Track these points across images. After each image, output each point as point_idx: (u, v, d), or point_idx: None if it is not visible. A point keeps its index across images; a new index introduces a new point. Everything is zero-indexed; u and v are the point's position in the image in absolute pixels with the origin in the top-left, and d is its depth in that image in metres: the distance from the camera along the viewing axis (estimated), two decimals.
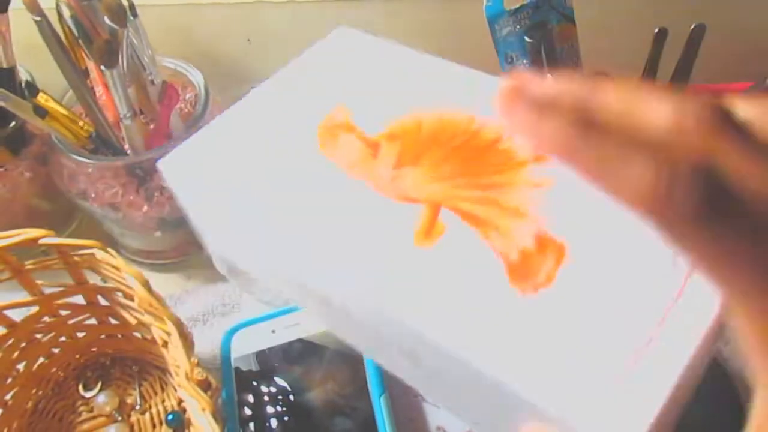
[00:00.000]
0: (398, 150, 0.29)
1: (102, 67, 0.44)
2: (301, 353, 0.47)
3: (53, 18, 0.48)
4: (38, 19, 0.45)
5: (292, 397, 0.45)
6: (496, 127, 0.29)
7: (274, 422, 0.45)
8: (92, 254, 0.44)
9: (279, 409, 0.45)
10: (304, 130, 0.30)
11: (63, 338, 0.51)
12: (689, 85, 0.64)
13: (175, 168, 0.31)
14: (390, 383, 0.45)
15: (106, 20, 0.45)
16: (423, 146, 0.29)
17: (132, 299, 0.46)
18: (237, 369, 0.48)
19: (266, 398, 0.46)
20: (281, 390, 0.46)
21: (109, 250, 0.43)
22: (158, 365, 0.53)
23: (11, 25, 0.50)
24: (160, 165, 0.31)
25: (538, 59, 0.56)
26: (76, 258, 0.45)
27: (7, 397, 0.50)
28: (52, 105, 0.46)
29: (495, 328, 0.22)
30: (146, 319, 0.45)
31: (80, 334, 0.52)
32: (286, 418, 0.45)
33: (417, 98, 0.31)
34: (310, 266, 0.26)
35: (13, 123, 0.54)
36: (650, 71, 0.63)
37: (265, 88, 0.33)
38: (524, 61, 0.56)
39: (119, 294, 0.47)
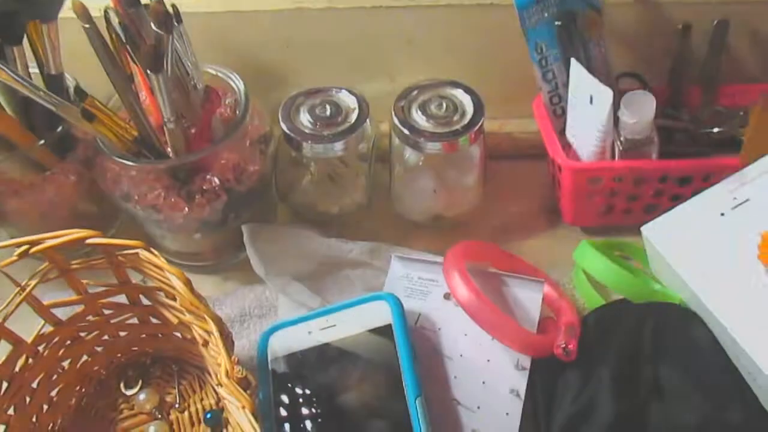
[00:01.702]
0: None
1: (148, 72, 0.45)
2: (337, 355, 0.47)
3: (100, 25, 0.49)
4: (87, 26, 0.46)
5: (327, 399, 0.46)
6: None
7: (309, 423, 0.45)
8: (136, 254, 0.45)
9: (314, 410, 0.45)
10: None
11: (106, 337, 0.52)
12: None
13: (659, 233, 0.52)
14: (424, 385, 0.45)
15: (152, 26, 0.46)
16: None
17: (174, 299, 0.47)
18: (273, 370, 0.48)
19: (302, 399, 0.46)
20: (316, 391, 0.46)
21: (153, 250, 0.44)
22: (197, 364, 0.54)
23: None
24: (645, 230, 0.52)
25: (567, 46, 0.56)
26: (120, 258, 0.46)
27: (53, 393, 0.51)
28: (99, 109, 0.47)
29: None
30: (187, 318, 0.46)
31: (122, 333, 0.53)
32: (320, 420, 0.45)
33: None
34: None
35: (60, 128, 0.55)
36: (677, 68, 0.63)
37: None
38: (554, 51, 0.56)
39: (161, 293, 0.48)
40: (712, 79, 0.63)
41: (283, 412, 0.46)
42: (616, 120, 0.56)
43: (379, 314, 0.47)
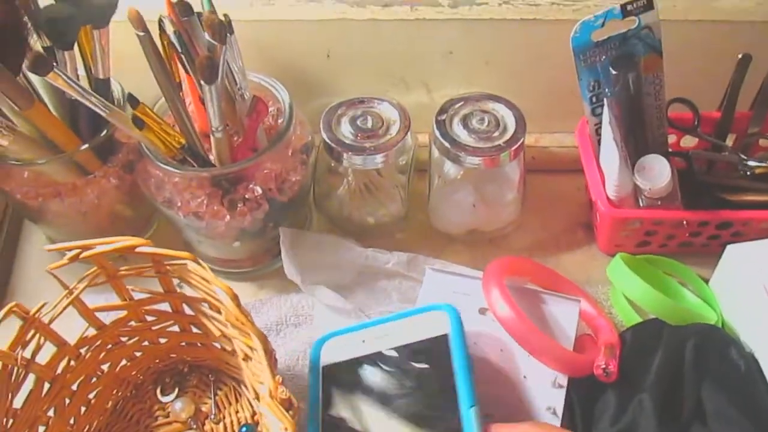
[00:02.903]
0: None
1: (201, 82, 0.46)
2: (390, 363, 0.47)
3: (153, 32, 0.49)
4: (142, 33, 0.46)
5: (378, 406, 0.45)
6: None
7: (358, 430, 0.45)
8: (184, 265, 0.45)
9: (364, 417, 0.45)
10: None
11: (146, 343, 0.53)
12: None
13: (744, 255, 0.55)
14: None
15: (206, 36, 0.46)
16: None
17: (218, 311, 0.47)
18: (325, 376, 0.48)
19: (351, 406, 0.46)
20: (367, 399, 0.46)
21: (201, 262, 0.44)
22: (233, 376, 0.54)
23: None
24: (730, 248, 0.56)
25: (623, 88, 0.55)
26: (168, 267, 0.46)
27: (91, 395, 0.52)
28: (150, 116, 0.48)
29: None
30: (230, 332, 0.46)
31: (162, 340, 0.53)
32: (372, 427, 0.45)
33: None
34: None
35: (104, 132, 0.55)
36: (731, 98, 0.62)
37: None
38: (606, 90, 0.55)
39: (205, 305, 0.48)
40: (765, 107, 0.63)
41: (332, 419, 0.46)
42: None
43: (436, 324, 0.47)
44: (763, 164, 0.61)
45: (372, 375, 0.46)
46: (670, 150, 0.62)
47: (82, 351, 0.49)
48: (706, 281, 0.60)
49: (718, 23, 0.62)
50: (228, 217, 0.54)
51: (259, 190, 0.54)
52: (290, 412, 0.39)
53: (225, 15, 0.48)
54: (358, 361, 0.47)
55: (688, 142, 0.66)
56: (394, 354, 0.47)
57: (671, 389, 0.49)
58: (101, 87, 0.53)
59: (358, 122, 0.59)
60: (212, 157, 0.53)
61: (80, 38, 0.52)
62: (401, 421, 0.44)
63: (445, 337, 0.45)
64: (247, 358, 0.46)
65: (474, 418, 0.41)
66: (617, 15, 0.53)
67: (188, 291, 0.49)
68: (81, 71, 0.54)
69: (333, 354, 0.49)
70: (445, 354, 0.45)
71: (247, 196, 0.54)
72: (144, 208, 0.64)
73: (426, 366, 0.45)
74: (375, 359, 0.47)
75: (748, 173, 0.62)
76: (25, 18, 0.49)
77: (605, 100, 0.56)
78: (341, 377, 0.47)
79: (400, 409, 0.44)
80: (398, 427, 0.44)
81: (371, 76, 0.66)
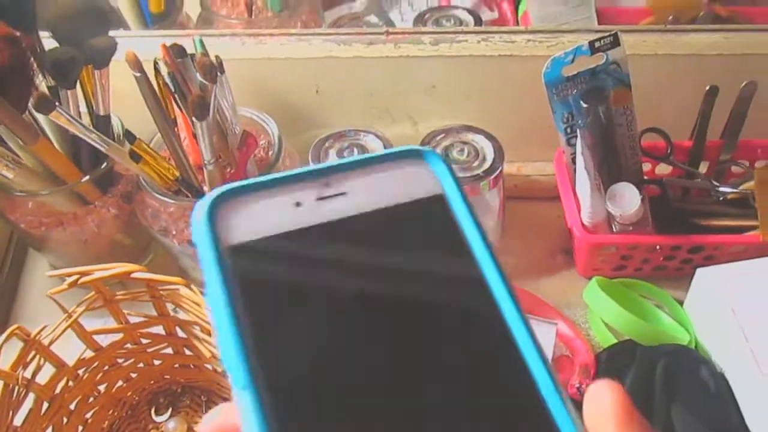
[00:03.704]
0: None
1: (193, 119, 0.49)
2: (357, 237, 0.24)
3: (149, 71, 0.53)
4: (138, 74, 0.50)
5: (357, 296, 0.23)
6: None
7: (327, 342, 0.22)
8: (177, 290, 0.48)
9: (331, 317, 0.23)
10: None
11: (141, 364, 0.55)
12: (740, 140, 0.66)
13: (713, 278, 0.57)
14: None
15: (198, 76, 0.50)
16: None
17: (209, 334, 0.50)
18: (233, 266, 0.22)
19: (306, 305, 0.23)
20: (335, 286, 0.24)
21: (193, 287, 0.47)
22: (225, 397, 0.57)
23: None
24: (700, 271, 0.58)
25: (594, 120, 0.58)
26: (161, 292, 0.49)
27: (88, 415, 0.54)
28: (146, 151, 0.51)
29: None
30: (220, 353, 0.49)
31: (157, 362, 0.56)
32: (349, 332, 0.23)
33: None
34: None
35: (104, 164, 0.59)
36: (701, 127, 0.65)
37: None
38: (579, 122, 0.59)
39: (197, 328, 0.51)
40: (735, 135, 0.66)
41: (261, 337, 0.21)
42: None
43: (418, 183, 0.25)
44: (735, 190, 0.64)
45: (331, 254, 0.23)
46: (645, 177, 0.65)
47: (80, 372, 0.52)
48: (681, 303, 0.62)
49: (687, 56, 0.65)
50: None
51: None
52: None
53: (216, 56, 0.52)
54: (295, 236, 0.23)
55: (663, 169, 0.69)
56: (361, 225, 0.23)
57: (642, 408, 0.51)
58: (101, 123, 0.57)
59: (345, 154, 0.62)
60: (206, 188, 0.57)
61: (82, 77, 0.55)
62: (400, 306, 0.22)
63: (439, 199, 0.24)
64: None
65: (512, 293, 0.23)
66: (586, 51, 0.56)
67: (181, 315, 0.51)
68: (83, 107, 0.58)
69: (241, 228, 0.23)
70: (445, 221, 0.24)
71: None
72: (142, 237, 0.67)
73: (419, 240, 0.24)
74: (329, 232, 0.23)
75: (721, 199, 0.64)
76: (32, 59, 0.52)
77: (578, 131, 0.59)
78: (263, 266, 0.22)
79: (394, 291, 0.23)
80: (397, 315, 0.22)
81: (358, 110, 0.69)
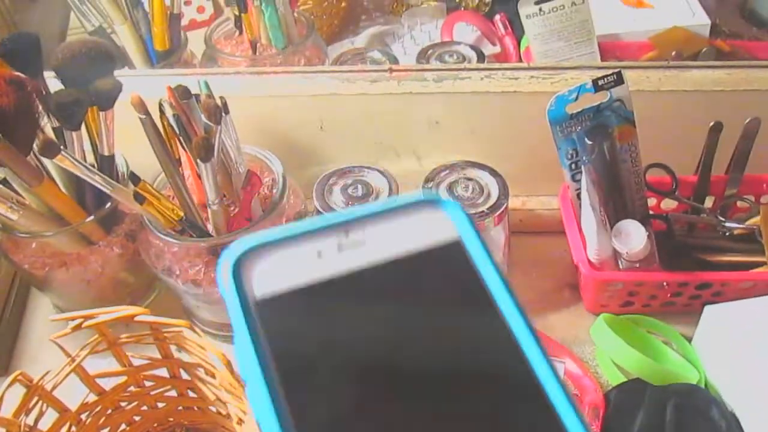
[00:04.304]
0: None
1: (198, 161, 0.49)
2: (378, 287, 0.25)
3: (153, 113, 0.53)
4: (143, 116, 0.50)
5: (379, 358, 0.24)
6: None
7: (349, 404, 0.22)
8: (180, 332, 0.47)
9: (353, 379, 0.23)
10: None
11: (145, 407, 0.54)
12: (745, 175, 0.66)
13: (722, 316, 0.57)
14: None
15: (203, 118, 0.50)
16: None
17: (213, 376, 0.49)
18: (261, 319, 0.23)
19: (325, 364, 0.23)
20: (356, 348, 0.24)
21: (197, 329, 0.47)
22: None
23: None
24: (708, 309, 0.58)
25: (599, 157, 0.58)
26: (165, 334, 0.49)
27: None
28: (150, 192, 0.51)
29: None
30: (224, 396, 0.48)
31: (160, 405, 0.55)
32: (370, 396, 0.22)
33: None
34: None
35: (109, 204, 0.59)
36: (706, 163, 0.65)
37: None
38: (584, 158, 0.58)
39: (201, 370, 0.50)
40: (740, 170, 0.65)
41: (291, 389, 0.21)
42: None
43: (435, 228, 0.25)
44: (741, 226, 0.63)
45: (351, 309, 0.23)
46: (650, 213, 0.65)
47: (83, 417, 0.51)
48: (690, 339, 0.62)
49: (691, 93, 0.65)
50: None
51: None
52: None
53: (221, 97, 0.52)
54: (318, 289, 0.24)
55: (669, 204, 0.69)
56: (381, 273, 0.24)
57: None
58: (106, 163, 0.57)
59: (349, 191, 0.62)
60: (210, 228, 0.56)
61: (87, 118, 0.55)
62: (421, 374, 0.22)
63: (457, 245, 0.24)
64: (240, 422, 0.48)
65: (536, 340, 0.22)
66: (590, 89, 0.56)
67: (185, 357, 0.51)
68: (87, 146, 0.58)
69: (267, 281, 0.23)
70: (463, 265, 0.24)
71: None
72: (145, 275, 0.66)
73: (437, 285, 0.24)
74: (351, 282, 0.24)
75: (727, 234, 0.64)
76: (37, 102, 0.52)
77: (583, 167, 0.59)
78: (294, 319, 0.23)
79: (415, 357, 0.23)
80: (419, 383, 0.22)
81: (363, 146, 0.69)
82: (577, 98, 0.56)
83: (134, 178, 0.50)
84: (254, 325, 0.21)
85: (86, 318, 0.47)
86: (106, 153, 0.57)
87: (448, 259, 0.24)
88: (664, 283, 0.60)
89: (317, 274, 0.23)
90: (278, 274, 0.23)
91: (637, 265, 0.59)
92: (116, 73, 0.55)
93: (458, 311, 0.23)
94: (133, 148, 0.60)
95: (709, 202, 0.67)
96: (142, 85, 0.54)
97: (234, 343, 0.22)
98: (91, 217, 0.58)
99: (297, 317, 0.23)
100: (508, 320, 0.22)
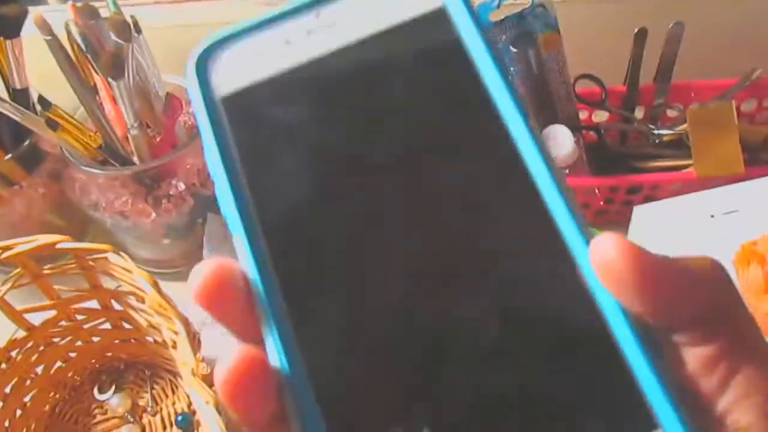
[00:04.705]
0: None
1: (109, 79, 0.47)
2: (357, 73, 0.21)
3: (63, 38, 0.51)
4: (49, 38, 0.48)
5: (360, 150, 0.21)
6: None
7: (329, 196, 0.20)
8: (105, 258, 0.46)
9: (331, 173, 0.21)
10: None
11: (79, 343, 0.53)
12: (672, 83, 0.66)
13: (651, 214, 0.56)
14: None
15: (112, 36, 0.48)
16: None
17: (143, 302, 0.48)
18: (229, 115, 0.21)
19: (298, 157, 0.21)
20: (332, 141, 0.21)
21: (121, 253, 0.46)
22: (169, 369, 0.55)
23: (26, 51, 0.54)
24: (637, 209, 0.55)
25: (525, 66, 0.58)
26: (90, 262, 0.47)
27: (26, 398, 0.52)
28: (63, 118, 0.49)
29: None
30: (156, 320, 0.48)
31: (95, 339, 0.54)
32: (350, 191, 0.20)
33: None
34: None
35: (27, 141, 0.56)
36: (633, 71, 0.66)
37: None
38: (512, 69, 0.58)
39: (132, 297, 0.49)
40: (667, 78, 0.66)
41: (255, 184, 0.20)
42: None
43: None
44: (670, 131, 0.64)
45: (328, 99, 0.21)
46: (582, 124, 0.65)
47: (13, 354, 0.50)
48: None
49: (614, 1, 0.65)
50: (153, 214, 0.55)
51: (182, 185, 0.55)
52: (212, 388, 0.41)
53: (132, 16, 0.50)
54: (289, 78, 0.21)
55: (600, 117, 0.69)
56: (358, 56, 0.21)
57: None
58: (19, 97, 0.54)
59: None
60: (134, 157, 0.55)
61: None
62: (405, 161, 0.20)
63: (440, 13, 0.20)
64: (174, 344, 0.47)
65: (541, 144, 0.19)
66: None
67: (118, 287, 0.50)
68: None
69: (235, 74, 0.21)
70: (451, 42, 0.20)
71: (171, 193, 0.55)
72: (76, 218, 0.65)
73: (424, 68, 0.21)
74: (323, 68, 0.21)
75: (657, 141, 0.65)
76: None
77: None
78: (257, 112, 0.21)
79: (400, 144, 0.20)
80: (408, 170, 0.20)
81: None
82: (498, 5, 0.56)
83: (44, 102, 0.48)
84: (219, 120, 0.20)
85: (4, 249, 0.45)
86: (18, 86, 0.54)
87: (431, 29, 0.21)
88: (596, 189, 0.61)
89: (285, 63, 0.21)
90: (245, 67, 0.21)
91: (567, 171, 0.60)
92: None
93: (443, 93, 0.21)
94: (55, 93, 0.58)
95: (639, 113, 0.68)
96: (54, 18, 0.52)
97: (202, 145, 0.21)
98: (9, 156, 0.56)
99: (262, 110, 0.21)
100: (505, 118, 0.19)
